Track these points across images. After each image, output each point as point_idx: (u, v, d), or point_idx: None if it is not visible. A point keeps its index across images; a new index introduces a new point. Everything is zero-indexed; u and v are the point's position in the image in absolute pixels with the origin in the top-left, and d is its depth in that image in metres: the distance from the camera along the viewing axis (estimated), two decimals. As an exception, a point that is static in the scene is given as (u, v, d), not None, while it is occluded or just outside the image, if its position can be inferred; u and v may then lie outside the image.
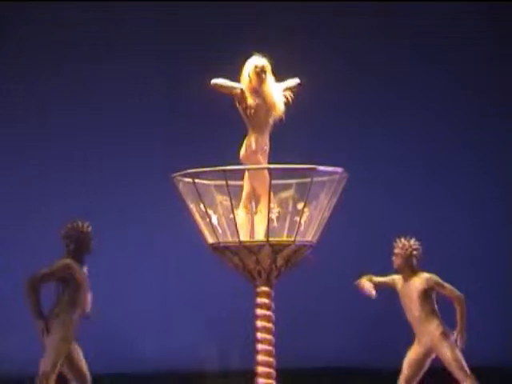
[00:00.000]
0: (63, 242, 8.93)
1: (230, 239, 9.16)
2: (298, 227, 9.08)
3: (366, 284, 9.72)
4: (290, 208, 9.16)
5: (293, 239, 9.09)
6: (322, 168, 9.09)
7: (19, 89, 13.93)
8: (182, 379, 11.98)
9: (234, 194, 9.15)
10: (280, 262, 9.16)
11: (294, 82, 9.46)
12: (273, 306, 9.19)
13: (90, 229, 8.90)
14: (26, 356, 11.71)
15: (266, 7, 13.63)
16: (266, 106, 9.19)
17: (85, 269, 8.92)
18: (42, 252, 10.81)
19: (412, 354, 9.55)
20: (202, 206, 9.20)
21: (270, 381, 9.11)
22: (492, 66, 14.73)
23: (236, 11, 13.79)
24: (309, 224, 9.17)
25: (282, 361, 9.22)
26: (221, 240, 9.22)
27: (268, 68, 9.27)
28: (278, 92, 9.29)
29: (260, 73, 9.21)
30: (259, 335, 9.13)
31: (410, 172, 13.90)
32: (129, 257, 12.96)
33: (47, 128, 13.67)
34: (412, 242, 9.40)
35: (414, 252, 9.39)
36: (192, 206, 9.28)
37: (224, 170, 9.02)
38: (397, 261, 9.46)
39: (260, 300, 9.17)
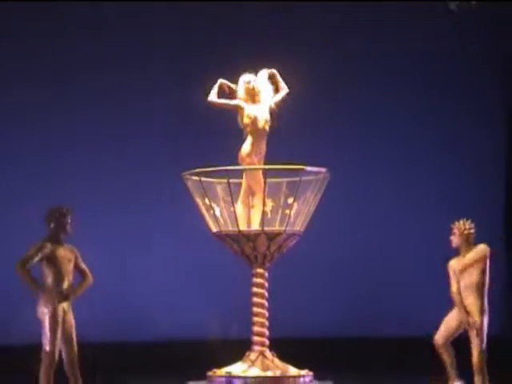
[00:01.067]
0: (45, 224, 8.30)
1: (231, 228, 9.31)
2: (289, 219, 9.24)
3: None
4: (282, 202, 9.27)
5: (284, 229, 9.25)
6: (308, 168, 9.23)
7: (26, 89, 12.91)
8: (190, 346, 11.96)
9: (234, 190, 9.25)
10: (273, 248, 9.30)
11: (284, 92, 9.52)
12: (266, 285, 9.36)
13: (67, 212, 8.33)
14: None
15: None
16: (258, 118, 9.30)
17: (69, 249, 8.40)
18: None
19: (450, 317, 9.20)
20: (206, 200, 9.34)
21: (263, 348, 9.27)
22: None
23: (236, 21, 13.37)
24: (297, 216, 9.31)
25: (275, 331, 9.38)
26: (223, 229, 9.37)
27: (258, 84, 9.38)
28: (270, 104, 9.40)
29: (251, 90, 9.36)
30: (254, 309, 9.32)
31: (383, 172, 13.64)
32: (146, 240, 12.69)
33: (49, 128, 12.89)
34: (468, 223, 9.06)
35: (471, 231, 9.05)
36: (198, 200, 9.43)
37: (226, 170, 9.16)
38: (455, 240, 9.11)
39: (255, 280, 9.35)
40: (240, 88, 9.37)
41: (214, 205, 9.33)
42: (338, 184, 9.85)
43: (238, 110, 9.34)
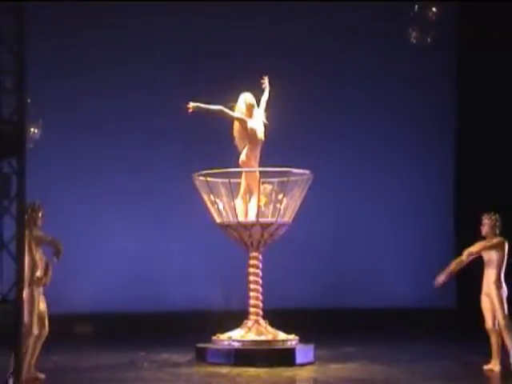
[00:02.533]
0: None
1: (231, 220, 9.47)
2: (279, 211, 9.41)
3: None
4: (273, 198, 9.42)
5: (275, 220, 9.41)
6: (295, 170, 9.45)
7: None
8: (198, 315, 11.75)
9: (234, 189, 9.37)
10: (266, 235, 9.45)
11: (264, 100, 9.60)
12: (260, 265, 9.49)
13: (39, 207, 7.65)
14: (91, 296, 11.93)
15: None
16: (257, 130, 9.45)
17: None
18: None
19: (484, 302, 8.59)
20: (212, 196, 9.49)
21: (258, 317, 9.43)
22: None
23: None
24: (286, 209, 9.47)
25: (267, 303, 9.50)
26: (225, 220, 9.52)
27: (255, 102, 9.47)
28: (263, 119, 9.53)
29: (251, 107, 9.47)
30: (251, 286, 9.49)
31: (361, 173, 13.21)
32: (164, 228, 12.38)
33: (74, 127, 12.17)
34: (496, 216, 8.64)
35: (498, 223, 8.64)
36: (205, 197, 9.58)
37: (227, 172, 9.35)
38: (484, 228, 8.63)
39: (251, 262, 9.52)
40: (241, 104, 9.45)
41: (217, 200, 9.45)
42: (320, 182, 9.90)
43: (240, 122, 9.43)
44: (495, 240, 8.57)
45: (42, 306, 7.70)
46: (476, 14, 12.53)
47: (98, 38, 12.24)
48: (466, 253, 8.67)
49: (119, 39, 12.42)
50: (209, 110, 9.40)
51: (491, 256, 8.56)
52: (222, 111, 9.41)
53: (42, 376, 7.86)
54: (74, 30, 12.00)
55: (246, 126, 9.42)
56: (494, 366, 8.49)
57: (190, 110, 9.35)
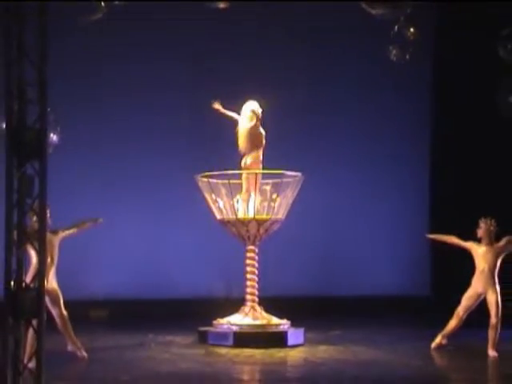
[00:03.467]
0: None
1: (231, 216, 9.55)
2: (273, 209, 9.51)
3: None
4: (268, 197, 9.51)
5: (270, 217, 9.51)
6: (288, 173, 9.53)
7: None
8: (200, 302, 11.57)
9: (233, 189, 9.41)
10: (262, 231, 9.54)
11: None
12: (256, 257, 9.59)
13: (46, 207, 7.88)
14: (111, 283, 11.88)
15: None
16: (263, 136, 9.49)
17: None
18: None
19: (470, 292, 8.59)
20: (213, 195, 9.58)
21: (254, 304, 9.51)
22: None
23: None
24: (280, 207, 9.56)
25: (262, 291, 9.57)
26: (225, 217, 9.61)
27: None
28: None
29: (257, 115, 9.50)
30: (248, 276, 9.60)
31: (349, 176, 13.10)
32: (171, 223, 12.16)
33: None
34: (493, 221, 8.48)
35: (492, 228, 8.47)
36: (207, 196, 9.67)
37: (227, 174, 9.43)
38: (480, 232, 8.49)
39: (248, 254, 9.63)
40: (248, 112, 9.44)
41: (218, 199, 9.54)
42: (311, 183, 9.96)
43: (251, 129, 9.41)
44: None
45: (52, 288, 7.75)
46: (449, 32, 12.55)
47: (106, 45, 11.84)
48: (456, 240, 8.70)
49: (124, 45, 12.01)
50: (227, 115, 9.53)
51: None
52: (237, 120, 9.51)
53: (84, 354, 7.96)
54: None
55: (256, 133, 9.45)
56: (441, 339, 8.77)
57: (215, 107, 9.42)
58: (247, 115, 9.50)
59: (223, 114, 9.55)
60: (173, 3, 11.28)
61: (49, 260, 7.60)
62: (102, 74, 11.92)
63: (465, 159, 12.63)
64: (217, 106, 9.52)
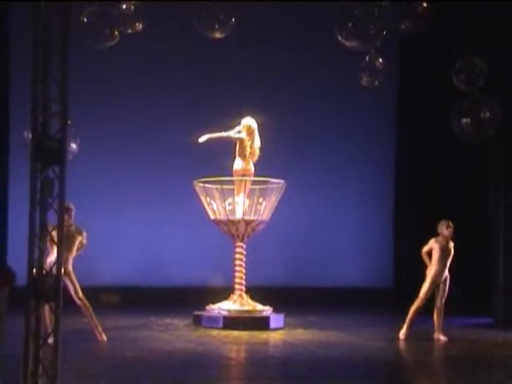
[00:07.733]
0: None
1: (223, 217, 9.55)
2: (259, 211, 9.52)
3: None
4: (255, 201, 9.51)
5: (256, 218, 9.52)
6: (272, 180, 9.55)
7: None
8: (194, 290, 11.30)
9: (225, 193, 9.41)
10: (249, 230, 9.56)
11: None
12: (244, 252, 9.59)
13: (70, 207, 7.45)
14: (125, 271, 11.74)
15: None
16: (256, 149, 9.47)
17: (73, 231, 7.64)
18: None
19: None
20: (208, 198, 9.58)
21: (241, 292, 9.52)
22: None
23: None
24: (265, 209, 9.57)
25: (248, 281, 9.61)
26: (217, 217, 9.61)
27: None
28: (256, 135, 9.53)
29: (252, 129, 9.47)
30: (236, 268, 9.62)
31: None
32: (170, 221, 11.89)
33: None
34: (450, 222, 8.36)
35: (450, 228, 8.37)
36: (202, 198, 9.66)
37: (220, 180, 9.40)
38: (450, 230, 8.33)
39: (237, 250, 9.63)
40: (244, 126, 9.40)
41: (212, 201, 9.53)
42: (293, 188, 10.03)
43: (242, 142, 9.39)
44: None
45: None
46: (412, 64, 12.41)
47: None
48: (425, 250, 8.50)
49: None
50: (219, 137, 9.32)
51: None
52: (230, 137, 9.39)
53: (104, 338, 7.79)
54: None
55: (243, 145, 9.37)
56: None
57: (202, 141, 9.14)
58: (239, 128, 9.47)
59: (214, 139, 9.32)
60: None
61: (69, 252, 7.52)
62: (116, 92, 11.71)
63: (425, 167, 12.54)
64: (202, 138, 9.23)
